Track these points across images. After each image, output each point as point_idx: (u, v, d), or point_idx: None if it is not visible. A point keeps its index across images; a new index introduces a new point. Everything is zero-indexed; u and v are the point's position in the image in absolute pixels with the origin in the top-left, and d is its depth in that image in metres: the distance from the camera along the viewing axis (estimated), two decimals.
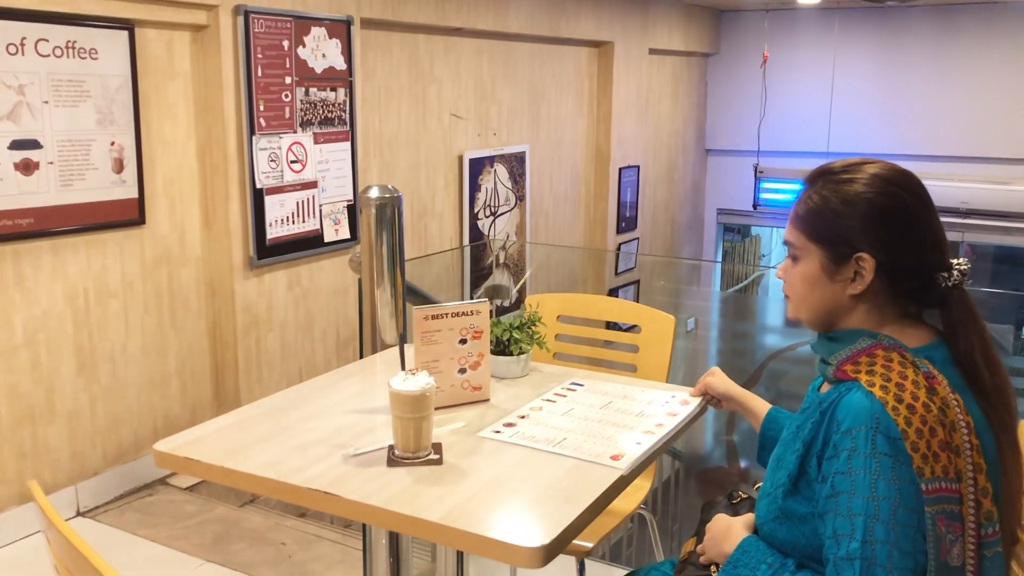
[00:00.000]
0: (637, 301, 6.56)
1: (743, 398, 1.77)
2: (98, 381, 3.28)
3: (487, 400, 1.90)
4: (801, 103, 7.23)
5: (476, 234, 5.07)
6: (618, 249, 6.27)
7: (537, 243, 5.42)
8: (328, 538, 3.02)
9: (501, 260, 5.18)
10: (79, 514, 3.19)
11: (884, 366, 1.26)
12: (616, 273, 6.24)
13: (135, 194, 3.33)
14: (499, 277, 5.13)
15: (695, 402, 1.88)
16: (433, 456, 1.62)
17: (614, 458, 1.63)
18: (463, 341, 1.85)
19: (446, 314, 1.82)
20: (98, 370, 3.27)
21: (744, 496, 1.64)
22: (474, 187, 5.02)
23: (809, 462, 1.29)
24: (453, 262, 4.93)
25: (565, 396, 1.94)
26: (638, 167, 6.50)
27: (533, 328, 2.08)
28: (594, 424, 1.79)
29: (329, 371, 4.14)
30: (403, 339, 1.73)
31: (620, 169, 6.24)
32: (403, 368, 1.68)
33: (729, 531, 1.43)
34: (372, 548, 2.29)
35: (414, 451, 1.60)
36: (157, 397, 3.49)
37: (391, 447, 1.65)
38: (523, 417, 1.82)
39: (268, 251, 3.73)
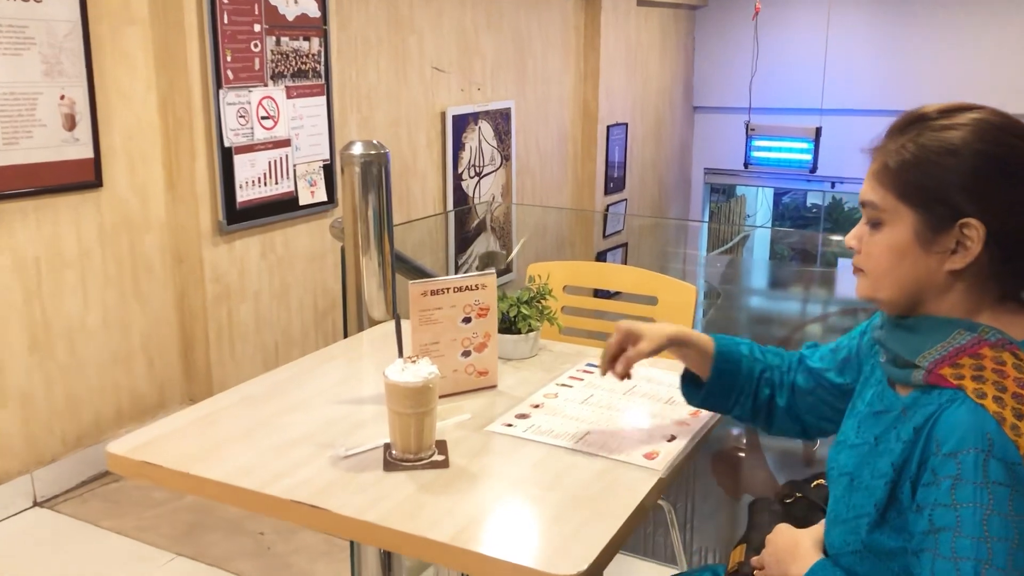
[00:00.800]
0: (625, 264, 6.34)
1: (688, 338, 1.41)
2: (53, 359, 3.00)
3: (494, 386, 1.66)
4: (794, 57, 6.97)
5: (460, 195, 4.80)
6: (606, 211, 6.02)
7: (524, 204, 5.15)
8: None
9: (487, 223, 4.92)
10: (36, 504, 2.93)
11: (996, 371, 1.02)
12: (604, 236, 6.00)
13: (90, 153, 3.02)
14: (485, 241, 4.87)
15: None
16: (437, 457, 1.38)
17: (648, 456, 1.40)
18: (467, 320, 1.60)
19: (447, 289, 1.57)
20: (53, 347, 2.99)
21: (799, 496, 1.41)
22: (458, 145, 4.74)
23: (901, 488, 1.05)
24: (437, 226, 4.66)
25: (582, 380, 1.71)
26: (626, 125, 6.24)
27: (543, 302, 1.83)
28: (618, 414, 1.56)
29: (308, 345, 3.90)
30: (398, 318, 1.48)
31: (608, 127, 5.98)
32: (400, 354, 1.44)
33: (796, 550, 1.20)
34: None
35: (415, 452, 1.37)
36: (121, 375, 3.22)
37: (387, 446, 1.40)
38: (537, 406, 1.58)
39: (238, 215, 3.45)
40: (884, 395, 1.17)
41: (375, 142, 2.07)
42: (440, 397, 1.45)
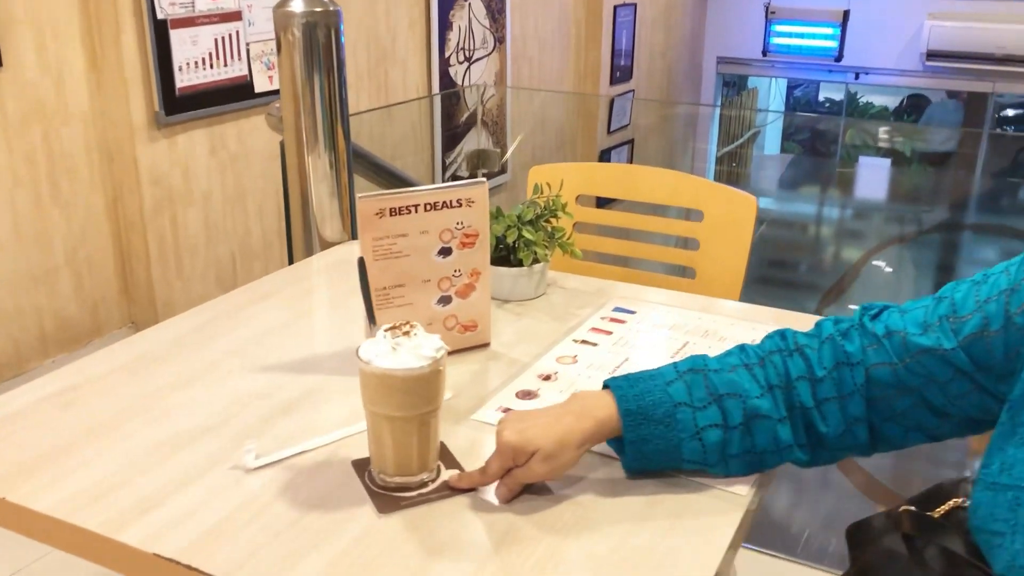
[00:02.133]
0: (631, 163, 5.77)
1: (603, 432, 0.86)
2: None
3: (486, 345, 1.16)
4: None
5: (448, 84, 4.20)
6: (612, 102, 5.41)
7: (521, 88, 4.55)
8: None
9: (479, 116, 4.33)
10: None
11: None
12: (608, 131, 5.41)
13: None
14: (477, 138, 4.29)
15: None
16: (446, 474, 0.88)
17: None
18: (445, 251, 1.09)
19: (415, 206, 1.05)
20: None
21: (926, 530, 0.92)
22: (444, 25, 4.11)
23: None
24: (421, 119, 4.08)
25: (610, 333, 1.21)
26: (635, 6, 5.56)
27: (553, 221, 1.32)
28: None
29: (272, 258, 3.38)
30: (362, 263, 0.96)
31: (615, 7, 5.31)
32: (371, 319, 0.92)
33: None
34: None
35: (417, 473, 0.87)
36: (42, 295, 2.71)
37: (360, 465, 0.90)
38: (548, 377, 1.09)
39: (179, 104, 2.87)
40: None
41: None
42: None
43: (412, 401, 0.83)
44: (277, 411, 1.01)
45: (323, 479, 0.88)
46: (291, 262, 1.64)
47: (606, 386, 0.89)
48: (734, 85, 8.69)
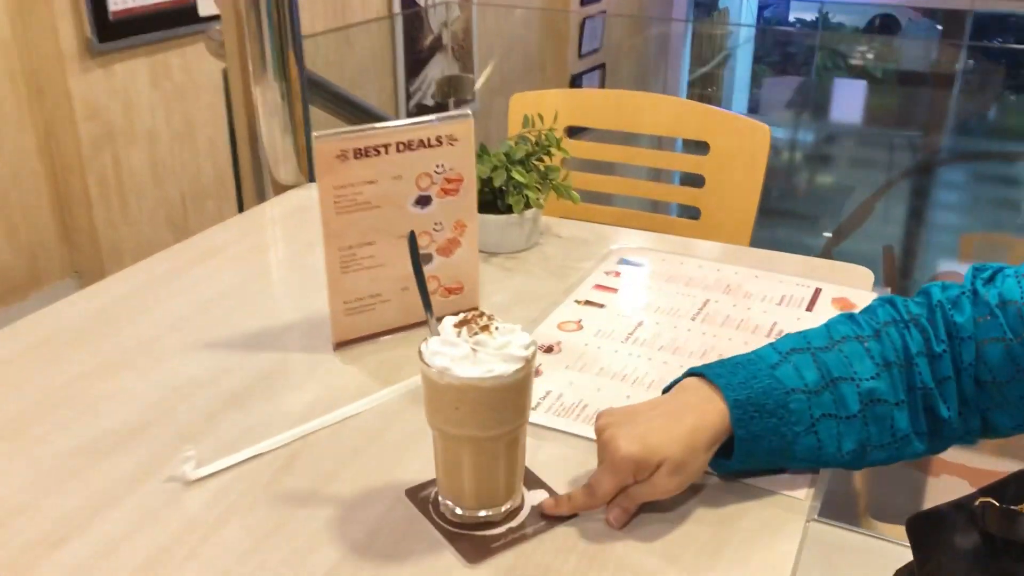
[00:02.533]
0: (603, 87, 5.53)
1: (724, 436, 0.69)
2: None
3: (474, 310, 0.98)
4: None
5: (409, 2, 3.91)
6: (583, 23, 5.14)
7: (488, 4, 4.27)
8: None
9: (445, 39, 4.05)
10: None
11: None
12: (580, 55, 5.16)
13: None
14: (443, 63, 4.03)
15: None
16: (533, 496, 0.70)
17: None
18: (423, 201, 0.90)
19: (385, 146, 0.86)
20: None
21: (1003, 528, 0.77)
22: None
23: None
24: (381, 40, 3.80)
25: (616, 291, 1.04)
26: None
27: (546, 160, 1.13)
28: (701, 358, 0.90)
29: (225, 197, 3.14)
30: (413, 237, 0.74)
31: None
32: (428, 308, 0.71)
33: None
34: None
35: (503, 503, 0.68)
36: None
37: (415, 493, 0.71)
38: (549, 350, 0.92)
39: (114, 30, 2.59)
40: None
41: None
42: (381, 335, 0.78)
43: (501, 416, 0.64)
44: (224, 402, 0.83)
45: (288, 491, 0.71)
46: (241, 210, 1.43)
47: (692, 374, 0.71)
48: (704, 6, 8.42)
